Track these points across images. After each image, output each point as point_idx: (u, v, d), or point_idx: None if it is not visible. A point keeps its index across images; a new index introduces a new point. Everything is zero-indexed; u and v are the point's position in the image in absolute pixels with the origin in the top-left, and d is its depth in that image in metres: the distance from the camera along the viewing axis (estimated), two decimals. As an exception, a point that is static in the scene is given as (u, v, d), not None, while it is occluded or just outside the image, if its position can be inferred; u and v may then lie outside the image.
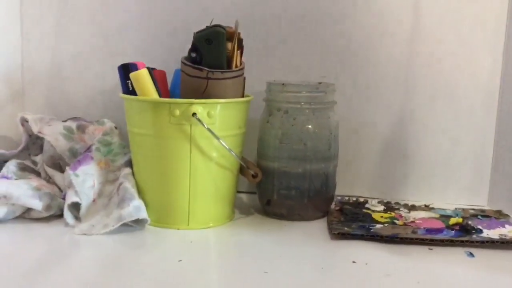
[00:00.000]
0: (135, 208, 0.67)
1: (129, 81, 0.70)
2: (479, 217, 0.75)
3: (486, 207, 0.82)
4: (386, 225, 0.71)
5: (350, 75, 0.84)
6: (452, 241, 0.66)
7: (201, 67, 0.68)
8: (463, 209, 0.79)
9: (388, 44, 0.83)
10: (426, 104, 0.83)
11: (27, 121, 0.81)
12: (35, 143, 0.84)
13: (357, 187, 0.87)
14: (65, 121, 0.82)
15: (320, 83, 0.76)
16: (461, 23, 0.82)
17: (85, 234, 0.66)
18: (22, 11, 0.88)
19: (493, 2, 0.81)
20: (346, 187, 0.86)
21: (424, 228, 0.70)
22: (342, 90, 0.83)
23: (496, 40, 0.81)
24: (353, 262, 0.60)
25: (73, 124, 0.81)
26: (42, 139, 0.81)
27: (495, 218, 0.75)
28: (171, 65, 0.79)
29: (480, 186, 0.84)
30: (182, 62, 0.70)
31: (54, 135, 0.79)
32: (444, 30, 0.82)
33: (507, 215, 0.77)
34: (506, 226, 0.71)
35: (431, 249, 0.65)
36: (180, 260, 0.59)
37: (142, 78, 0.68)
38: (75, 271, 0.56)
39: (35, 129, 0.80)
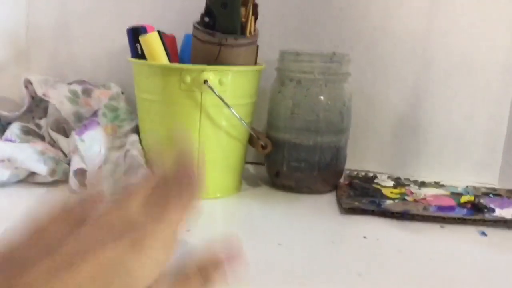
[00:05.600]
0: (143, 176, 0.66)
1: (139, 45, 0.68)
2: (491, 195, 0.74)
3: (497, 185, 0.81)
4: (396, 201, 0.70)
5: (365, 46, 0.82)
6: (464, 219, 0.65)
7: (214, 32, 0.65)
8: (474, 187, 0.78)
9: (406, 15, 0.80)
10: (442, 78, 0.81)
11: (31, 83, 0.79)
12: (39, 105, 0.82)
13: (366, 161, 0.85)
14: (71, 84, 0.80)
15: (334, 53, 0.73)
16: (481, -4, 0.79)
17: (91, 200, 0.64)
18: (26, -32, 0.85)
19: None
20: (355, 161, 0.84)
21: (435, 205, 0.69)
22: (356, 61, 0.80)
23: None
24: (364, 237, 0.59)
25: (78, 88, 0.79)
26: (46, 102, 0.78)
27: (507, 197, 0.74)
28: (181, 29, 0.76)
29: (491, 164, 0.83)
30: (194, 27, 0.67)
31: (59, 98, 0.77)
32: (463, 2, 0.79)
33: (519, 195, 0.76)
34: (518, 205, 0.70)
35: (443, 227, 0.64)
36: (189, 230, 0.58)
37: (152, 42, 0.66)
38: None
39: (39, 91, 0.78)
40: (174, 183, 0.34)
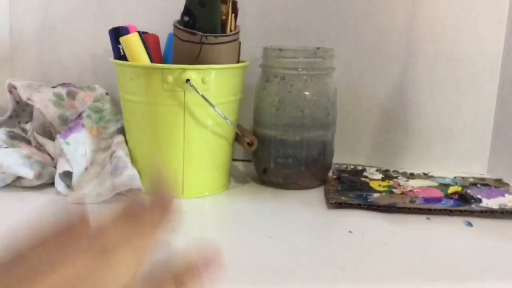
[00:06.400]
0: (129, 177, 0.66)
1: (121, 46, 0.68)
2: (479, 186, 0.74)
3: (486, 175, 0.81)
4: (383, 194, 0.70)
5: (350, 40, 0.81)
6: (450, 210, 0.65)
7: (194, 31, 0.65)
8: (463, 178, 0.78)
9: (390, 7, 0.80)
10: (428, 70, 0.81)
11: (15, 88, 0.78)
12: (24, 110, 0.81)
13: (355, 155, 0.85)
14: (55, 87, 0.80)
15: (318, 48, 0.73)
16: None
17: (77, 203, 0.65)
18: (8, -29, 0.84)
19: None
20: (344, 155, 0.84)
21: (422, 197, 0.69)
22: (342, 56, 0.80)
23: (501, 5, 0.78)
24: (349, 231, 0.59)
25: (63, 91, 0.79)
26: (31, 106, 0.78)
27: (494, 187, 0.74)
28: (164, 29, 0.76)
29: (480, 154, 0.83)
30: (175, 26, 0.67)
31: (43, 102, 0.77)
32: (448, -8, 0.79)
33: (507, 184, 0.75)
34: (506, 195, 0.70)
35: (429, 219, 0.64)
36: (174, 230, 0.58)
37: (132, 43, 0.66)
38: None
39: (24, 95, 0.77)
40: (147, 213, 0.35)
